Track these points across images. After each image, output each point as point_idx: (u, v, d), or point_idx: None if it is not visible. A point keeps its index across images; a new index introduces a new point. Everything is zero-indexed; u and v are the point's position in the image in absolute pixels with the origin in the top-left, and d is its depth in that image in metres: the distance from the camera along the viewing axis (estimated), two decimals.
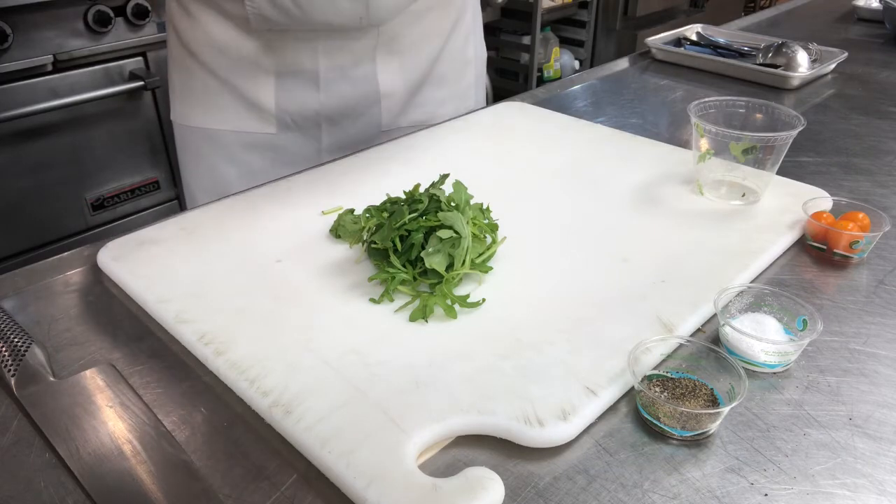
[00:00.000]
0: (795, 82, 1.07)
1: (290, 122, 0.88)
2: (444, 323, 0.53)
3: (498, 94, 1.03)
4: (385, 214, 0.59)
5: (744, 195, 0.70)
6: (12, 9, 1.35)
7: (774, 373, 0.50)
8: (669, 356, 0.50)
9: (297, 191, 0.72)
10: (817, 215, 0.64)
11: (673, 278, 0.58)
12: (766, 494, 0.40)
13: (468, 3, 0.96)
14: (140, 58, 1.58)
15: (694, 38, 1.29)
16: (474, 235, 0.58)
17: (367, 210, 0.62)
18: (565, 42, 2.98)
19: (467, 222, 0.57)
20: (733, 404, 0.43)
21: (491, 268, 0.58)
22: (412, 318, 0.53)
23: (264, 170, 0.88)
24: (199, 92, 0.87)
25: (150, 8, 1.54)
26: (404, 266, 0.56)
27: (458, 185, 0.59)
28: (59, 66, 1.46)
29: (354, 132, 0.91)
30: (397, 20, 0.84)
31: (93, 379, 0.48)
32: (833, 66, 1.15)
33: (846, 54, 1.16)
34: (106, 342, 0.53)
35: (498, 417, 0.44)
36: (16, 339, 0.50)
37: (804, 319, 0.52)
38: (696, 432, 0.44)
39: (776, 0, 3.55)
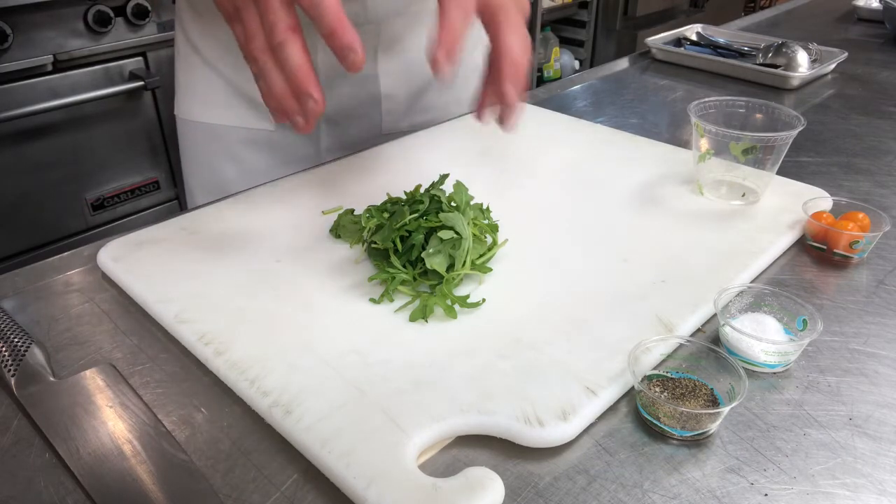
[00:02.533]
0: (795, 82, 1.07)
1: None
2: (444, 323, 0.53)
3: None
4: (385, 215, 0.59)
5: (744, 195, 0.70)
6: (12, 9, 1.35)
7: (774, 373, 0.50)
8: (669, 356, 0.50)
9: (297, 191, 0.72)
10: (817, 215, 0.64)
11: (673, 278, 0.58)
12: (766, 494, 0.40)
13: None
14: (140, 58, 1.58)
15: (694, 38, 1.29)
16: (475, 236, 0.58)
17: (368, 210, 0.62)
18: (565, 42, 2.99)
19: (468, 223, 0.57)
20: (733, 404, 0.43)
21: (491, 269, 0.58)
22: (412, 318, 0.53)
23: (264, 169, 0.88)
24: (202, 87, 0.87)
25: (150, 8, 1.54)
26: (404, 266, 0.56)
27: (458, 185, 0.59)
28: (59, 66, 1.46)
29: (354, 134, 0.91)
30: (400, 21, 0.84)
31: (93, 379, 0.48)
32: (833, 66, 1.15)
33: (846, 54, 1.16)
34: (106, 342, 0.53)
35: (498, 417, 0.44)
36: (16, 339, 0.50)
37: (804, 319, 0.52)
38: (696, 432, 0.44)
39: (776, 0, 3.55)
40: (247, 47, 0.51)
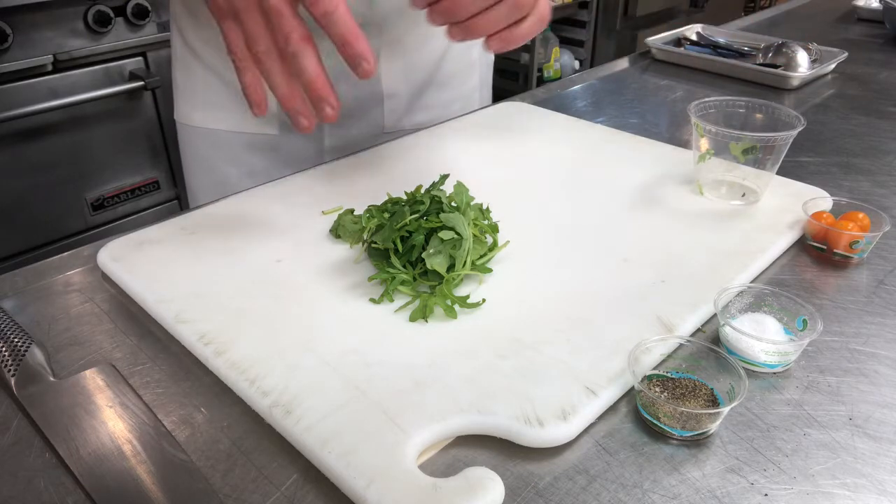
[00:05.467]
0: (795, 82, 1.07)
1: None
2: (444, 323, 0.53)
3: (498, 94, 1.03)
4: (386, 215, 0.59)
5: (744, 195, 0.70)
6: (12, 9, 1.36)
7: (774, 373, 0.50)
8: (669, 356, 0.50)
9: (297, 191, 0.72)
10: (817, 215, 0.64)
11: (673, 278, 0.58)
12: (766, 494, 0.40)
13: None
14: (140, 58, 1.58)
15: (694, 38, 1.29)
16: (475, 236, 0.58)
17: (368, 210, 0.62)
18: (565, 42, 2.99)
19: (468, 223, 0.57)
20: (733, 404, 0.43)
21: (491, 269, 0.58)
22: (412, 319, 0.53)
23: (266, 170, 0.88)
24: (202, 92, 0.87)
25: (150, 8, 1.54)
26: (405, 267, 0.56)
27: (459, 186, 0.59)
28: (59, 66, 1.46)
29: (357, 134, 0.91)
30: (401, 20, 0.84)
31: (93, 379, 0.48)
32: (833, 66, 1.15)
33: (846, 54, 1.16)
34: (106, 342, 0.53)
35: (498, 417, 0.44)
36: (16, 339, 0.50)
37: (804, 319, 0.52)
38: (696, 432, 0.44)
39: (776, 0, 3.55)
40: (247, 49, 0.51)
